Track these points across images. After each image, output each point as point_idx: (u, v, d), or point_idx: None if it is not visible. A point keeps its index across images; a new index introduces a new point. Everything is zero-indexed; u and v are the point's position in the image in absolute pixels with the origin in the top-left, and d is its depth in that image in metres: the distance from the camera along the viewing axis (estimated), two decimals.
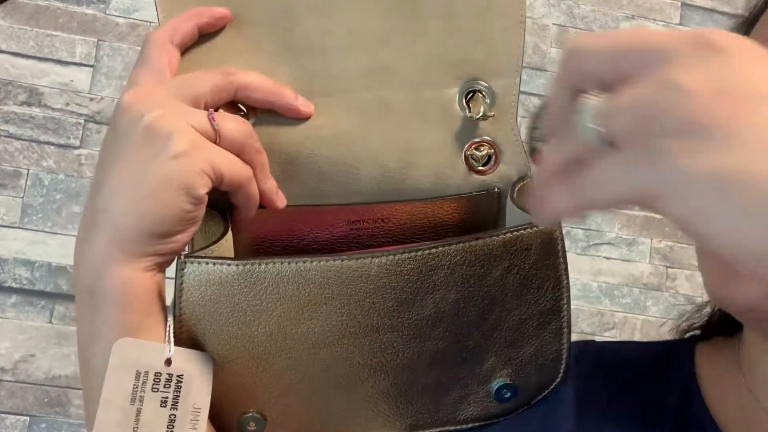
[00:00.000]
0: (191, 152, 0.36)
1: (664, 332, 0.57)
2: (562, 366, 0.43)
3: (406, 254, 0.38)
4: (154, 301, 0.37)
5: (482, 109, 0.42)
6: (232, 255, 0.42)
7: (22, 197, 1.30)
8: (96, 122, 1.32)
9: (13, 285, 1.27)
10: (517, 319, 0.41)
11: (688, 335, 0.55)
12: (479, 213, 0.44)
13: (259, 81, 0.41)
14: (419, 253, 0.38)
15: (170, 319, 0.37)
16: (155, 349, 0.36)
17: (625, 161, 0.25)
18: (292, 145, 0.42)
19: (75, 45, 1.33)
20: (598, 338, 1.45)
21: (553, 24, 1.50)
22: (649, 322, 1.47)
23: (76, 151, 1.32)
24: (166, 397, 0.35)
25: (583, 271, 1.45)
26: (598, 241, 1.47)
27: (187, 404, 0.35)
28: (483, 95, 0.43)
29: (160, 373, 0.35)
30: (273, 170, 0.42)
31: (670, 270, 1.49)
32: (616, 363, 0.53)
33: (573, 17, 1.51)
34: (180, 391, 0.35)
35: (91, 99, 1.33)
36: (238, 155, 0.39)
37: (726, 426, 0.47)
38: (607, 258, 1.47)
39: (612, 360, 0.53)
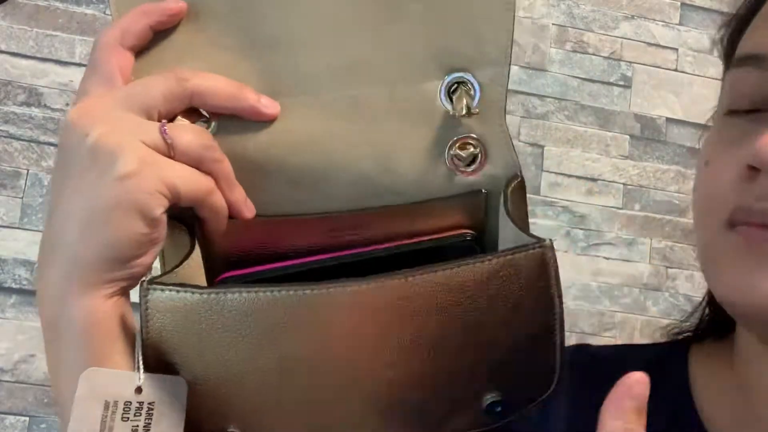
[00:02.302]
0: (141, 171, 0.34)
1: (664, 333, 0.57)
2: (554, 378, 0.40)
3: (380, 282, 0.35)
4: (119, 327, 0.35)
5: (466, 103, 0.38)
6: (202, 271, 0.40)
7: (22, 197, 1.30)
8: None
9: (13, 285, 1.28)
10: (506, 342, 0.38)
11: (681, 336, 0.55)
12: (465, 217, 0.42)
13: (216, 85, 0.37)
14: (395, 281, 0.35)
15: (138, 344, 0.35)
16: (124, 377, 0.34)
17: None
18: (259, 151, 0.39)
19: (75, 45, 1.33)
20: (597, 339, 1.45)
21: (553, 24, 1.50)
22: (649, 322, 1.46)
23: None
24: (137, 426, 0.34)
25: (583, 271, 1.45)
26: (598, 241, 1.46)
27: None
28: (468, 88, 0.39)
29: (130, 402, 0.34)
30: (241, 179, 0.38)
31: (670, 270, 1.49)
32: (610, 368, 0.53)
33: (573, 17, 1.51)
34: (151, 419, 0.34)
35: None
36: (196, 167, 0.36)
37: (718, 430, 0.47)
38: (607, 258, 1.47)
39: (606, 365, 0.53)
